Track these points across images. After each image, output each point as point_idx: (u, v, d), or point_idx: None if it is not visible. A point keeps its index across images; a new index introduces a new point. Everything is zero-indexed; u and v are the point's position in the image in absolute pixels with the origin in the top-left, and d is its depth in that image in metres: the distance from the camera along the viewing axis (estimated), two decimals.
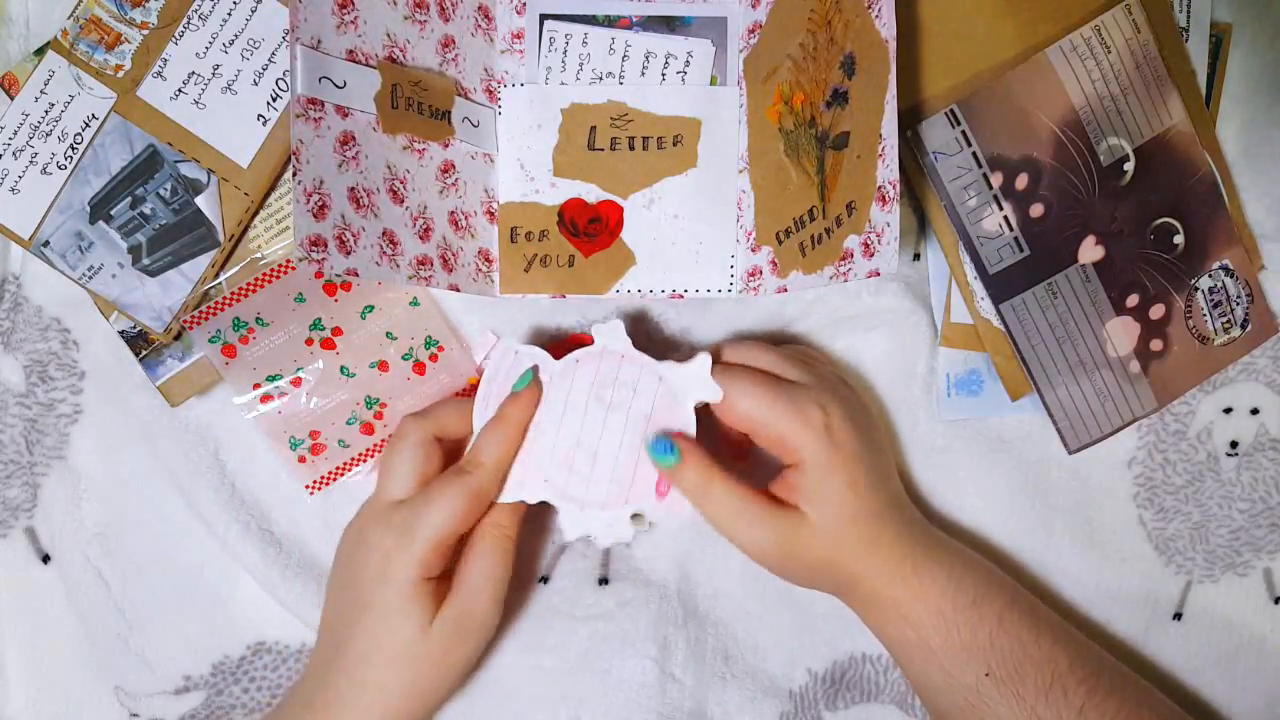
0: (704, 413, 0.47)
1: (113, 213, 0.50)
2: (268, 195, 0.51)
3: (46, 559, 0.54)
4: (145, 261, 0.50)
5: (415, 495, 0.46)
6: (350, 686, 0.46)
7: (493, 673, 0.54)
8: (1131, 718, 0.45)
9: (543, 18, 0.52)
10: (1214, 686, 0.55)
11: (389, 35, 0.47)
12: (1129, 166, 0.51)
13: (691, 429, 0.47)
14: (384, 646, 0.45)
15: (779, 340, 0.54)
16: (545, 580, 0.54)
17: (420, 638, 0.45)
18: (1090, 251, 0.51)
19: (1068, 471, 0.54)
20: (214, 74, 0.50)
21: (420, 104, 0.48)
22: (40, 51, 0.50)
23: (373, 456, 0.53)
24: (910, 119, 0.50)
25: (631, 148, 0.52)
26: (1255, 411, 0.55)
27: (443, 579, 0.47)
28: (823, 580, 0.48)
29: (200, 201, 0.50)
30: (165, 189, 0.50)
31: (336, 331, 0.52)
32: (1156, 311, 0.52)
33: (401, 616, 0.45)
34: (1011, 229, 0.50)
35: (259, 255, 0.51)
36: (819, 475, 0.46)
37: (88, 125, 0.50)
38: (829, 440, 0.45)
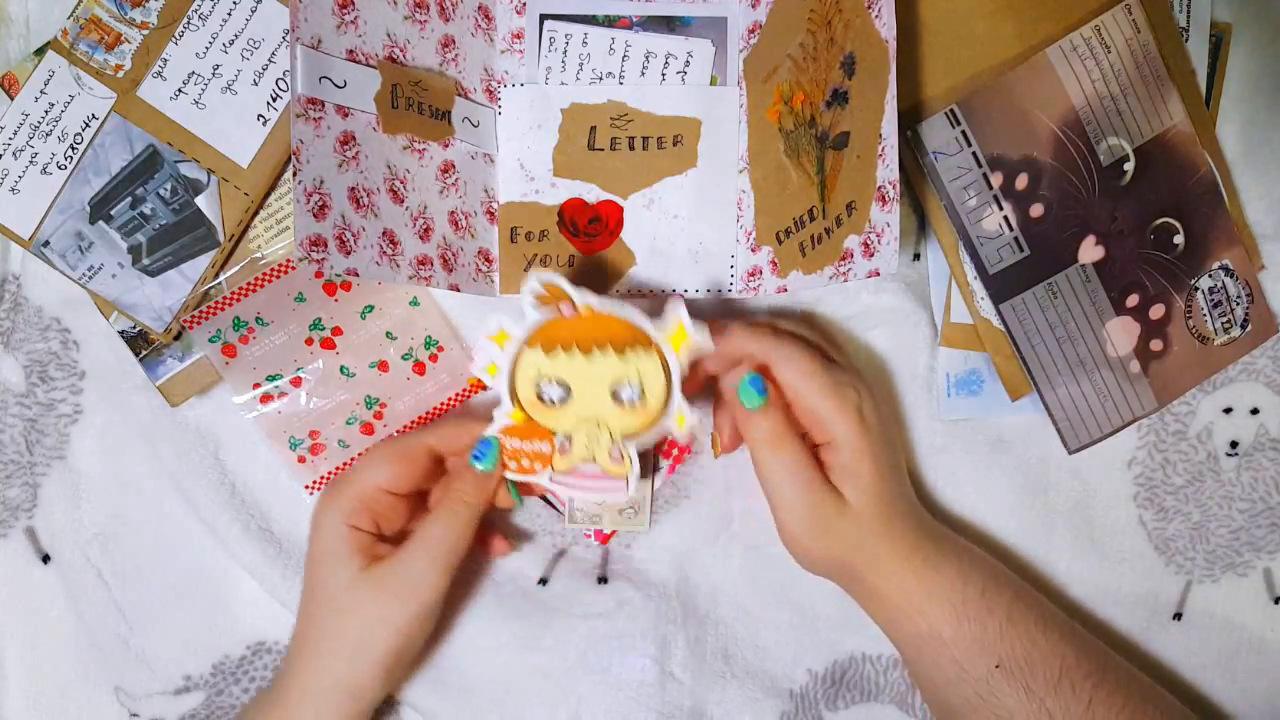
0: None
1: (113, 213, 0.50)
2: (268, 195, 0.51)
3: (46, 559, 0.54)
4: (145, 261, 0.50)
5: None
6: (297, 640, 0.48)
7: (492, 672, 0.54)
8: (1138, 713, 0.45)
9: (543, 18, 0.52)
10: (1214, 686, 0.55)
11: (389, 35, 0.47)
12: (1129, 166, 0.51)
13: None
14: (317, 595, 0.47)
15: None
16: (544, 582, 0.54)
17: (347, 586, 0.46)
18: (1090, 251, 0.51)
19: (1068, 471, 0.54)
20: (214, 74, 0.50)
21: (420, 104, 0.48)
22: (40, 51, 0.50)
23: None
24: (910, 119, 0.50)
25: (631, 148, 0.52)
26: (1255, 411, 0.55)
27: (395, 542, 0.48)
28: (834, 567, 0.48)
29: (200, 201, 0.50)
30: (165, 189, 0.50)
31: (336, 331, 0.52)
32: (1156, 311, 0.52)
33: (329, 564, 0.47)
34: (1011, 229, 0.50)
35: (259, 255, 0.51)
36: (852, 456, 0.46)
37: (88, 125, 0.50)
38: (862, 423, 0.46)
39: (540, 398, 0.47)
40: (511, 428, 0.47)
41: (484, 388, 0.53)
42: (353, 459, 0.52)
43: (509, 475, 0.48)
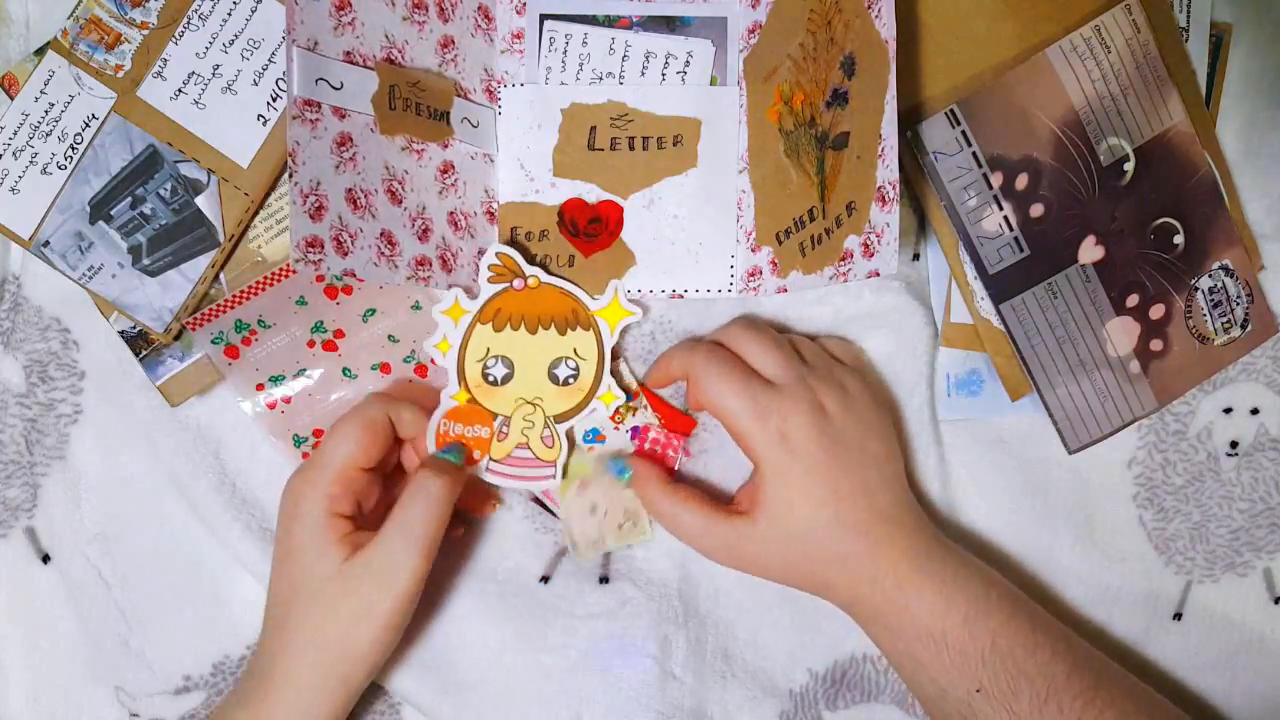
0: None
1: (113, 213, 0.50)
2: (268, 195, 0.51)
3: (46, 559, 0.54)
4: (145, 261, 0.50)
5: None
6: (274, 632, 0.46)
7: (493, 672, 0.54)
8: None
9: (543, 18, 0.52)
10: (1214, 686, 0.55)
11: (387, 36, 0.47)
12: (1129, 166, 0.51)
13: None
14: (299, 587, 0.46)
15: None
16: (546, 580, 0.54)
17: (332, 576, 0.45)
18: (1090, 251, 0.51)
19: (1068, 471, 0.54)
20: (214, 74, 0.50)
21: (418, 105, 0.48)
22: (40, 51, 0.50)
23: None
24: (910, 119, 0.50)
25: (631, 148, 0.52)
26: (1255, 411, 0.55)
27: (370, 529, 0.47)
28: (794, 582, 0.48)
29: (200, 201, 0.50)
30: (165, 189, 0.50)
31: (338, 334, 0.52)
32: (1156, 311, 0.52)
33: (313, 553, 0.45)
34: (1011, 229, 0.50)
35: (259, 256, 0.51)
36: (771, 484, 0.46)
37: (88, 125, 0.50)
38: (784, 449, 0.45)
39: (485, 377, 0.49)
40: (455, 410, 0.49)
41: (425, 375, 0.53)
42: None
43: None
